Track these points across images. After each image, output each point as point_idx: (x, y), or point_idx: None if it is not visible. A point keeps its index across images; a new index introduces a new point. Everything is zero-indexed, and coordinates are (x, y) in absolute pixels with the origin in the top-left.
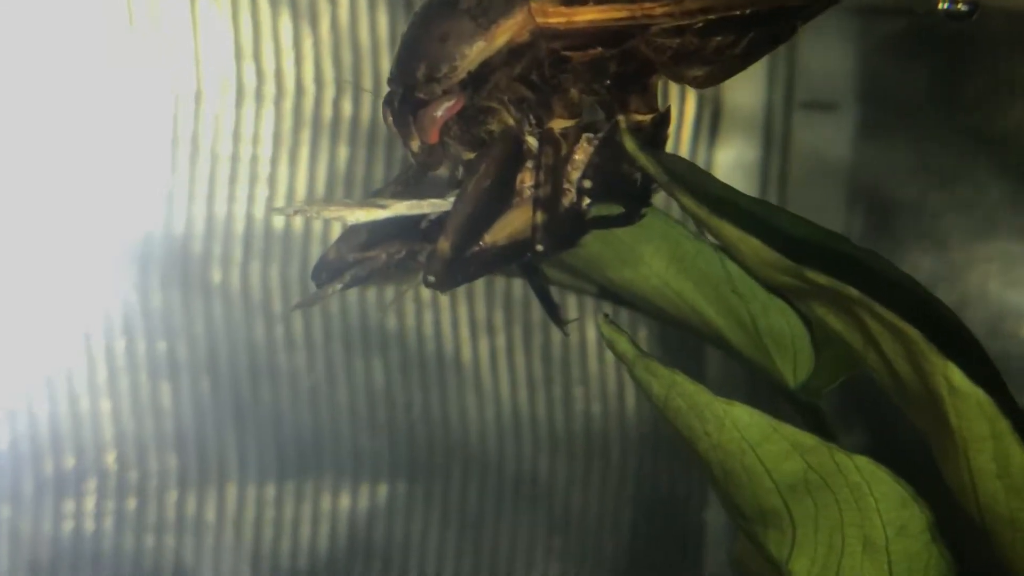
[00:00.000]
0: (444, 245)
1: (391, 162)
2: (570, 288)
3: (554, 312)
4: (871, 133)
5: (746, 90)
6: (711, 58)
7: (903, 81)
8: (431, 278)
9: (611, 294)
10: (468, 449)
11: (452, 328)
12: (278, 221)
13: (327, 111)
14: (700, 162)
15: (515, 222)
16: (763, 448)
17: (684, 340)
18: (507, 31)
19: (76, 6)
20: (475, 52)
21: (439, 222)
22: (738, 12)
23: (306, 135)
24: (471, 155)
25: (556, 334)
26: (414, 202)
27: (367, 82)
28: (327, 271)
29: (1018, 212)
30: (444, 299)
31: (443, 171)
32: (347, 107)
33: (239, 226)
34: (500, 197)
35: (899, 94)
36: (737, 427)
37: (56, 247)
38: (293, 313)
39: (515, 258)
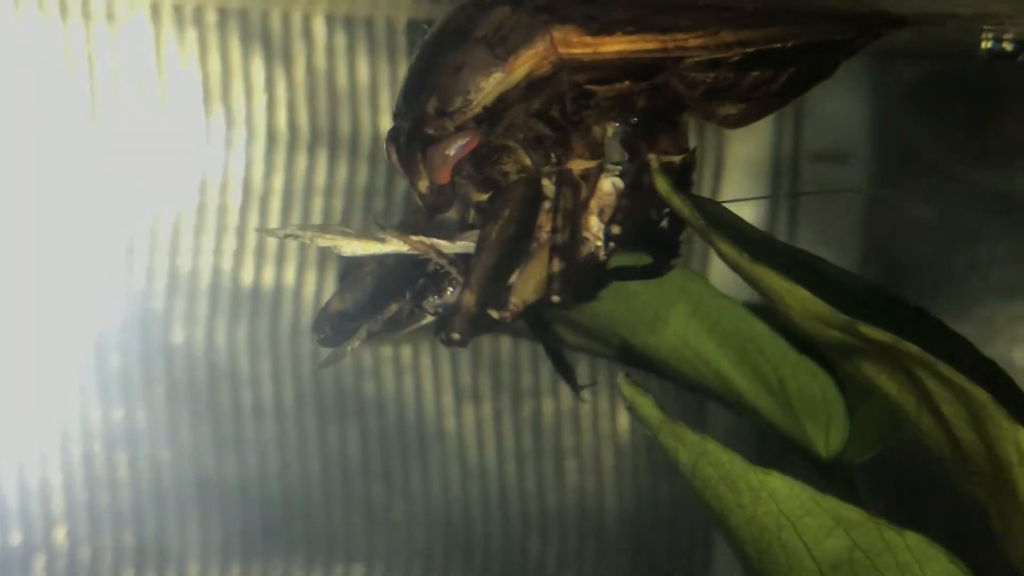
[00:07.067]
0: (469, 299)
1: (370, 215)
2: (582, 350)
3: (569, 375)
4: (886, 186)
5: (751, 139)
6: (746, 95)
7: (920, 131)
8: (455, 335)
9: (627, 356)
10: (451, 526)
11: (434, 394)
12: (246, 277)
13: (301, 159)
14: None
15: (537, 273)
16: (803, 523)
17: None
18: (527, 62)
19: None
20: (492, 85)
21: (445, 272)
22: (778, 45)
23: (278, 184)
24: (481, 197)
25: (547, 401)
26: (418, 239)
27: (344, 129)
28: (331, 324)
29: None
30: (426, 362)
31: (451, 213)
32: (322, 155)
33: (204, 281)
34: (522, 244)
35: (916, 145)
36: (775, 499)
37: None
38: (262, 377)
39: (539, 309)
